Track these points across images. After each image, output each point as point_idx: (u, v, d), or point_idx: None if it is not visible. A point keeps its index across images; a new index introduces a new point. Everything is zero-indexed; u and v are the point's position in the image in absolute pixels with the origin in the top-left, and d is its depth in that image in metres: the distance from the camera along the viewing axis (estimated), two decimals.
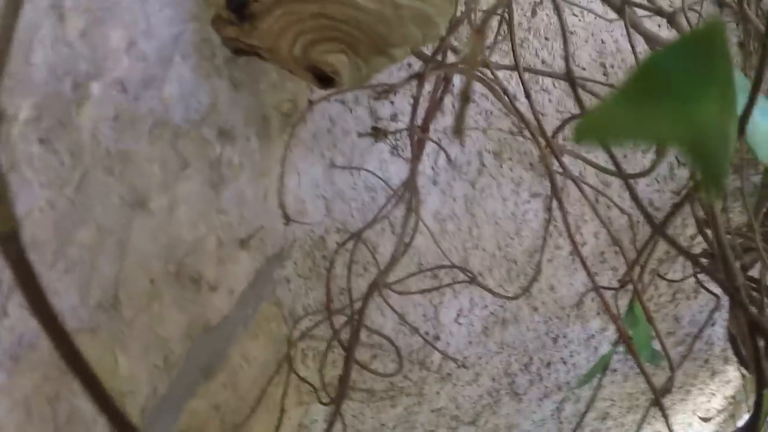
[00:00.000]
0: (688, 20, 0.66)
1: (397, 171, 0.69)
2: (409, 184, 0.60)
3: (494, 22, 0.68)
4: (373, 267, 0.73)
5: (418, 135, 0.58)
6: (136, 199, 0.52)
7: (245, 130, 0.60)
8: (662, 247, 0.95)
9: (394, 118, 0.68)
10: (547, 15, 0.74)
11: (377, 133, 0.65)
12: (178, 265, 0.56)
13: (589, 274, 0.59)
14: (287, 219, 0.62)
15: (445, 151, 0.70)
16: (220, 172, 0.58)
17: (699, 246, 0.91)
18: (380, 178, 0.67)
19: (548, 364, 0.92)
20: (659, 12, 0.57)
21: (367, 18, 0.39)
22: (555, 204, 0.80)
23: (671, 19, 0.54)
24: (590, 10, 0.74)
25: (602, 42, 0.77)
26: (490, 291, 0.70)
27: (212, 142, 0.57)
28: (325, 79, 0.43)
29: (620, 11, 0.55)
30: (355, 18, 0.39)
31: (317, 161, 0.68)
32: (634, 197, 0.57)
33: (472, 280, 0.68)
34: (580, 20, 0.75)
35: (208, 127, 0.56)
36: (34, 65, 0.46)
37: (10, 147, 0.46)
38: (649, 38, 0.55)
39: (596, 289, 0.60)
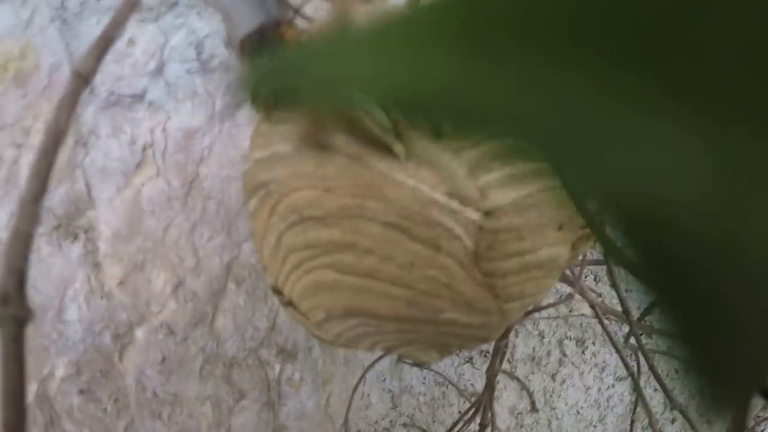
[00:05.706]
0: None
1: (471, 371, 0.64)
2: (484, 398, 0.54)
3: None
4: None
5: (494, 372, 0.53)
6: None
7: (307, 344, 0.56)
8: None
9: None
10: None
11: None
12: None
13: None
14: None
15: (530, 393, 0.64)
16: (279, 391, 0.54)
17: None
18: (450, 381, 0.61)
19: None
20: None
21: (469, 331, 0.31)
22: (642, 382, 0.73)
23: None
24: None
25: None
26: None
27: (271, 363, 0.53)
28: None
29: None
30: (453, 332, 0.30)
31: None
32: None
33: None
34: None
35: (267, 348, 0.52)
36: (68, 323, 0.43)
37: (49, 402, 0.43)
38: None
39: None
